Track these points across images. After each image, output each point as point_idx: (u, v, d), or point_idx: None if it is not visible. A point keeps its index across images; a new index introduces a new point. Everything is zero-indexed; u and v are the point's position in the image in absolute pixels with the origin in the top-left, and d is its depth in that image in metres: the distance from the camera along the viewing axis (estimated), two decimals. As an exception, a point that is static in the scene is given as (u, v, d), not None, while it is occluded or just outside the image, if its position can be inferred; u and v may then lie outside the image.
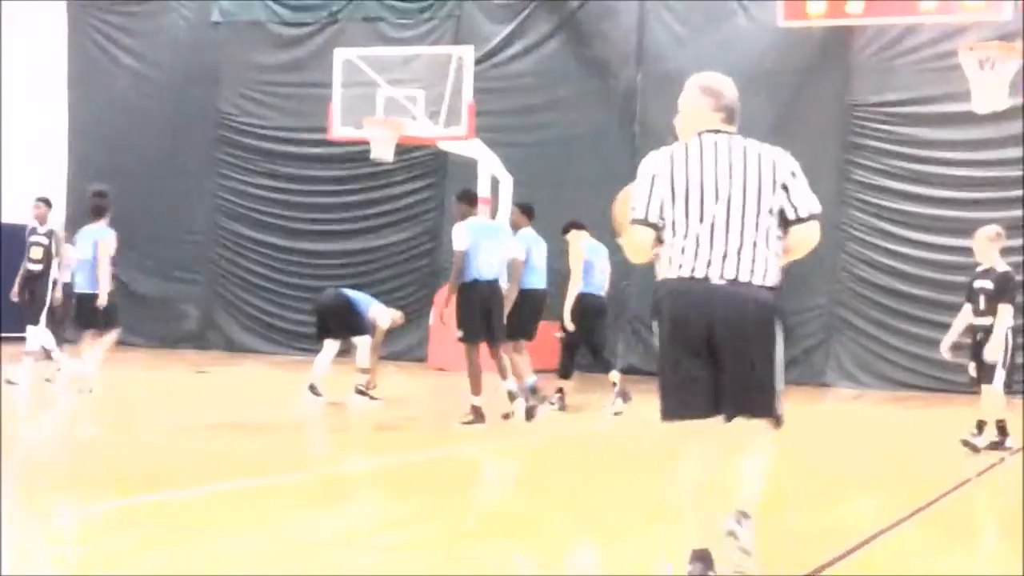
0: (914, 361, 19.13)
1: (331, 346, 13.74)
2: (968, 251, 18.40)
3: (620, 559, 6.23)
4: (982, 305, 11.03)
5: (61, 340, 15.16)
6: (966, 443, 10.86)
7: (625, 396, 14.04)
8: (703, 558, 5.29)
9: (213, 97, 23.39)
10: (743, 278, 5.28)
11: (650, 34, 20.86)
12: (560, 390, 14.31)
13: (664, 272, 5.44)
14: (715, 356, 5.31)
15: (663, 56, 20.77)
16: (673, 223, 5.38)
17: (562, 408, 14.12)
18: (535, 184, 20.86)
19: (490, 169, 20.10)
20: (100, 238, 13.60)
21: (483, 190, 20.07)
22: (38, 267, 14.96)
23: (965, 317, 11.32)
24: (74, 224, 22.38)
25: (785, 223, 5.44)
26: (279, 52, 23.18)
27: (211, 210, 23.37)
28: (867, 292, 19.33)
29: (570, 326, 14.15)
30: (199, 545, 6.20)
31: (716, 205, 5.33)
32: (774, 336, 5.35)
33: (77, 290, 13.76)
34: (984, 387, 10.96)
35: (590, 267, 14.33)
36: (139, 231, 22.36)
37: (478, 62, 20.13)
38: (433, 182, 22.00)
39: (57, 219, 15.16)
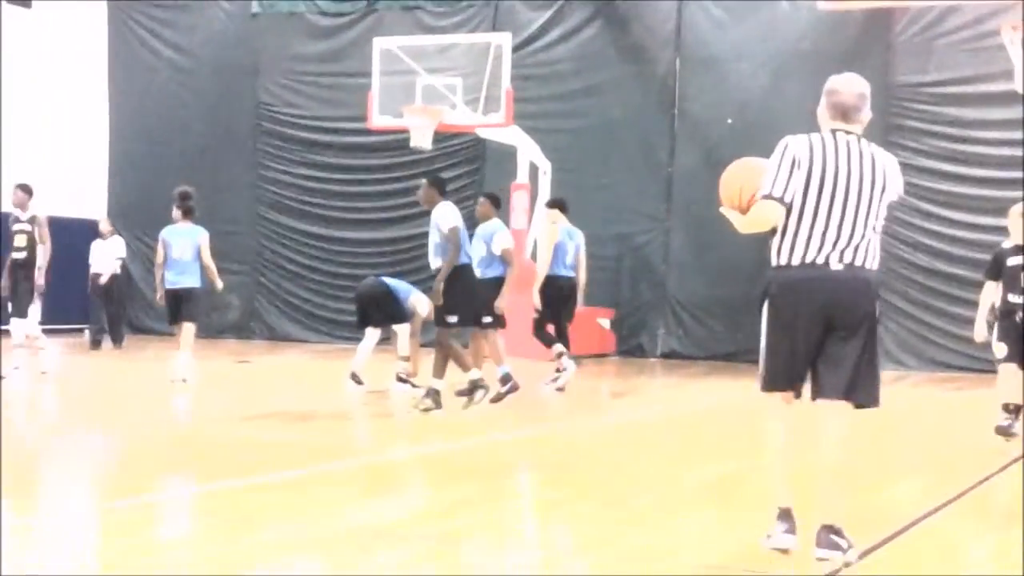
0: (957, 342, 18.98)
1: (372, 334, 13.79)
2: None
3: (657, 546, 6.24)
4: (1023, 282, 10.39)
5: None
6: (1003, 431, 10.44)
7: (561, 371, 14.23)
8: (788, 516, 5.88)
9: (253, 88, 23.50)
10: (857, 263, 5.78)
11: (689, 18, 20.78)
12: (558, 366, 14.34)
13: (780, 257, 5.84)
14: (830, 338, 5.76)
15: (702, 40, 20.70)
16: (801, 207, 5.79)
17: (560, 387, 14.26)
18: (574, 170, 20.88)
19: (529, 155, 20.11)
20: (200, 237, 14.45)
21: (522, 176, 20.10)
22: (22, 255, 14.54)
23: (990, 296, 10.65)
24: (115, 216, 22.66)
25: None
26: (318, 42, 23.25)
27: (253, 200, 23.48)
28: (909, 273, 19.20)
29: (537, 305, 14.35)
30: (243, 535, 6.26)
31: (843, 198, 5.78)
32: (877, 321, 5.88)
33: (174, 286, 14.11)
34: None
35: (562, 250, 14.31)
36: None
37: (516, 49, 20.14)
38: (472, 169, 22.01)
39: (40, 205, 14.99)
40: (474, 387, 11.95)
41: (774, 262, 5.88)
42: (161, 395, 13.10)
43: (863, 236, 5.82)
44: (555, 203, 14.88)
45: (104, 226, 20.68)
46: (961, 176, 19.08)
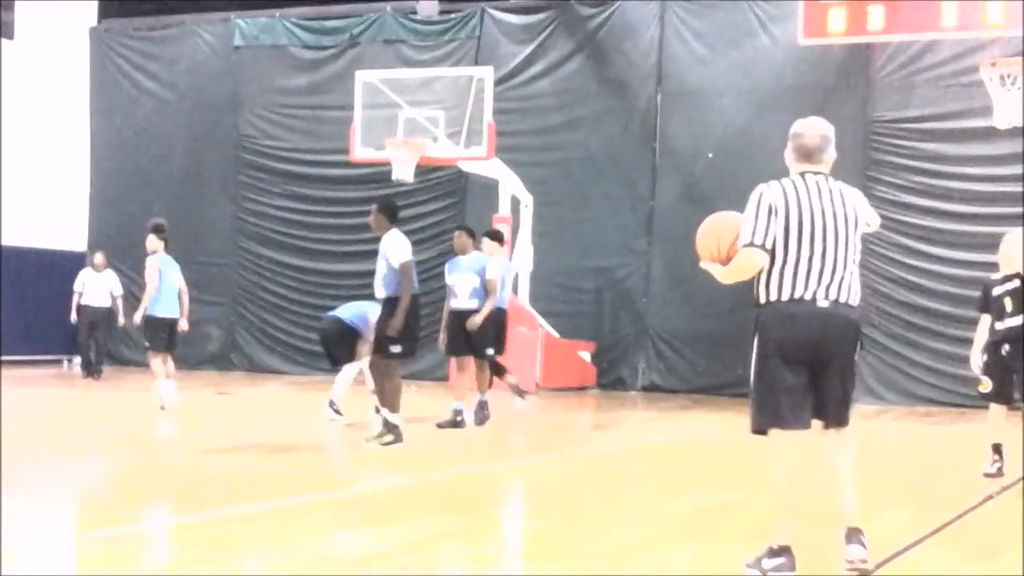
0: (937, 377, 19.08)
1: (349, 367, 13.74)
2: (991, 266, 18.44)
3: (643, 577, 6.23)
4: (1009, 308, 10.36)
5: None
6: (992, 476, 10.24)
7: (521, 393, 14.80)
8: (789, 551, 6.04)
9: (235, 120, 23.53)
10: (842, 299, 6.06)
11: (670, 53, 20.90)
12: (516, 386, 14.93)
13: (769, 294, 6.10)
14: (815, 371, 6.05)
15: (683, 75, 20.82)
16: (784, 250, 6.05)
17: (522, 395, 14.91)
18: (556, 203, 20.95)
19: (511, 189, 20.17)
20: (174, 267, 14.84)
21: (504, 209, 20.14)
22: None
23: (985, 329, 10.66)
24: (95, 247, 22.60)
25: None
26: (300, 75, 23.30)
27: (233, 232, 23.48)
28: (889, 308, 19.27)
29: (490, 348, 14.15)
30: (222, 567, 6.22)
31: (821, 236, 6.04)
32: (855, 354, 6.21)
33: (168, 316, 14.48)
34: None
35: (503, 283, 14.26)
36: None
37: (498, 82, 20.22)
38: (454, 202, 22.06)
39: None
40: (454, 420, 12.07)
41: (762, 299, 6.12)
42: (144, 425, 13.03)
43: (844, 270, 6.07)
44: (495, 235, 14.76)
45: (98, 258, 20.67)
46: (941, 211, 19.18)
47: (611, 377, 20.86)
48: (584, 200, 21.18)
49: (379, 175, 20.47)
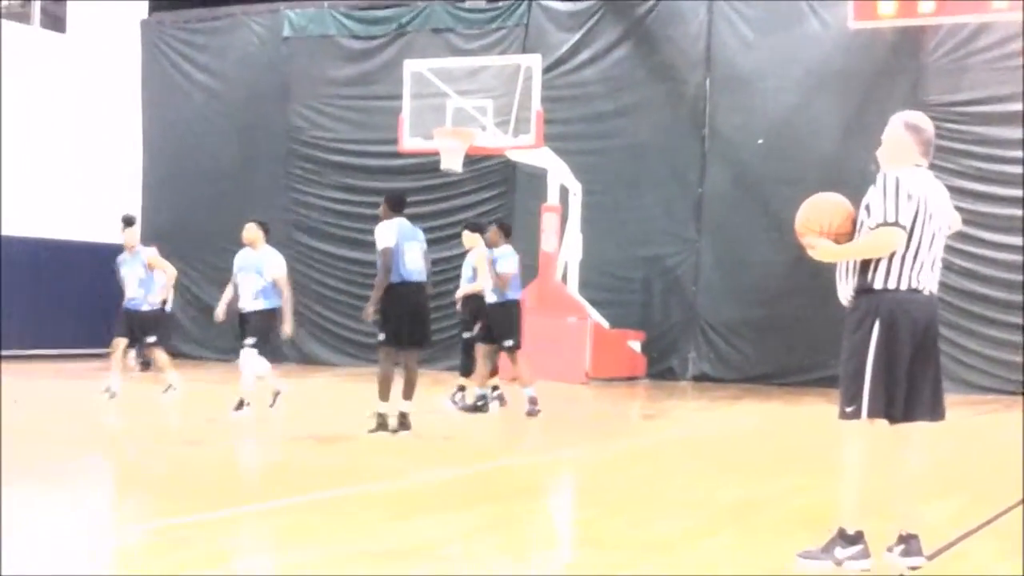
0: (990, 364, 18.88)
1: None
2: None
3: (682, 569, 6.19)
4: None
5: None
6: None
7: (502, 398, 14.35)
8: (863, 538, 6.09)
9: (285, 111, 23.62)
10: (935, 290, 6.25)
11: (718, 38, 20.77)
12: (495, 387, 14.37)
13: (888, 281, 6.09)
14: (914, 362, 6.08)
15: (731, 60, 20.68)
16: (908, 239, 6.07)
17: (502, 403, 14.34)
18: (604, 192, 20.89)
19: (559, 177, 20.12)
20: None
21: (552, 198, 20.10)
22: None
23: None
24: (148, 240, 22.78)
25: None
26: (349, 65, 23.35)
27: (284, 224, 23.54)
28: (942, 294, 18.93)
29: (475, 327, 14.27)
30: (267, 559, 6.25)
31: (933, 228, 6.14)
32: None
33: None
34: None
35: (515, 275, 14.23)
36: (212, 245, 22.65)
37: (546, 71, 20.17)
38: (502, 191, 22.04)
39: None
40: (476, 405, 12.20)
41: (879, 285, 6.09)
42: (196, 417, 13.13)
43: (938, 266, 6.25)
44: (475, 227, 14.77)
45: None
46: (994, 196, 18.95)
47: (661, 367, 20.78)
48: (633, 188, 21.10)
49: (428, 165, 20.48)
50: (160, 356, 15.07)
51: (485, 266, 13.96)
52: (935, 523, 7.16)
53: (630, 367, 20.37)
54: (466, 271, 14.42)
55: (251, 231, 13.35)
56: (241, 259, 13.37)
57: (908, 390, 6.07)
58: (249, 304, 13.14)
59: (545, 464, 10.56)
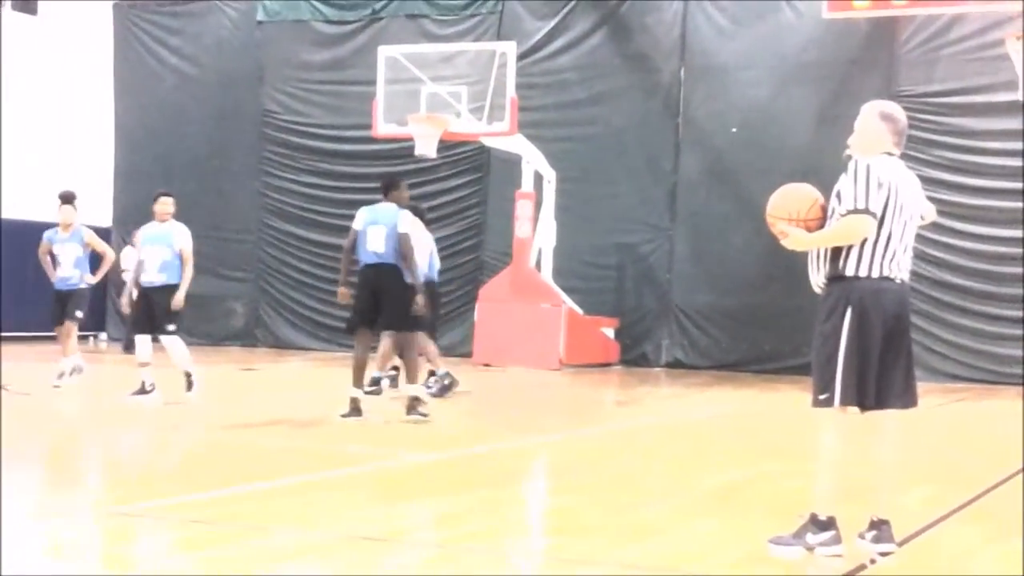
0: (964, 353, 19.03)
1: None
2: (1018, 241, 18.41)
3: (663, 555, 6.24)
4: None
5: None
6: None
7: (450, 384, 14.23)
8: (834, 524, 6.12)
9: (258, 96, 23.55)
10: (907, 278, 6.25)
11: (693, 27, 20.81)
12: (432, 373, 14.27)
13: (860, 268, 6.10)
14: (886, 350, 6.10)
15: (706, 49, 20.73)
16: (879, 226, 6.08)
17: (395, 385, 14.18)
18: (579, 179, 20.92)
19: (533, 164, 20.14)
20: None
21: (527, 185, 20.12)
22: None
23: None
24: (121, 224, 22.72)
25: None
26: (323, 50, 23.29)
27: (257, 208, 23.52)
28: (915, 284, 19.11)
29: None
30: (248, 541, 6.25)
31: (905, 217, 6.16)
32: None
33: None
34: None
35: (432, 254, 14.40)
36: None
37: (521, 58, 20.18)
38: (477, 178, 22.04)
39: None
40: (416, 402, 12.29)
41: (851, 273, 6.10)
42: (170, 401, 13.10)
43: (909, 254, 6.26)
44: (416, 210, 14.81)
45: (138, 237, 20.77)
46: (965, 186, 19.07)
47: (634, 353, 20.85)
48: (607, 176, 21.14)
49: (402, 151, 20.47)
50: (74, 337, 14.17)
51: (422, 249, 14.07)
52: (907, 509, 7.23)
53: (603, 354, 20.43)
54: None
55: (167, 204, 12.98)
56: (148, 232, 13.03)
57: (879, 377, 6.09)
58: (153, 277, 12.71)
59: (521, 450, 10.59)
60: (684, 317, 20.75)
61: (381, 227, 11.60)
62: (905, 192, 6.17)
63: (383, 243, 11.55)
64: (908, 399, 6.22)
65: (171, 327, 12.66)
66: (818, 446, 6.20)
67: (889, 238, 6.10)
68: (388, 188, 11.89)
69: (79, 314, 14.12)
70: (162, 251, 12.78)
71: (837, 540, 6.09)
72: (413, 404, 11.66)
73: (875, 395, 6.10)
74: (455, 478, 8.65)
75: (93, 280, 14.22)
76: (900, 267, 6.16)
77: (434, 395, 13.78)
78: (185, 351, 12.84)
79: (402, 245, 11.50)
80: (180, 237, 12.88)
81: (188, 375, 12.87)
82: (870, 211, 6.01)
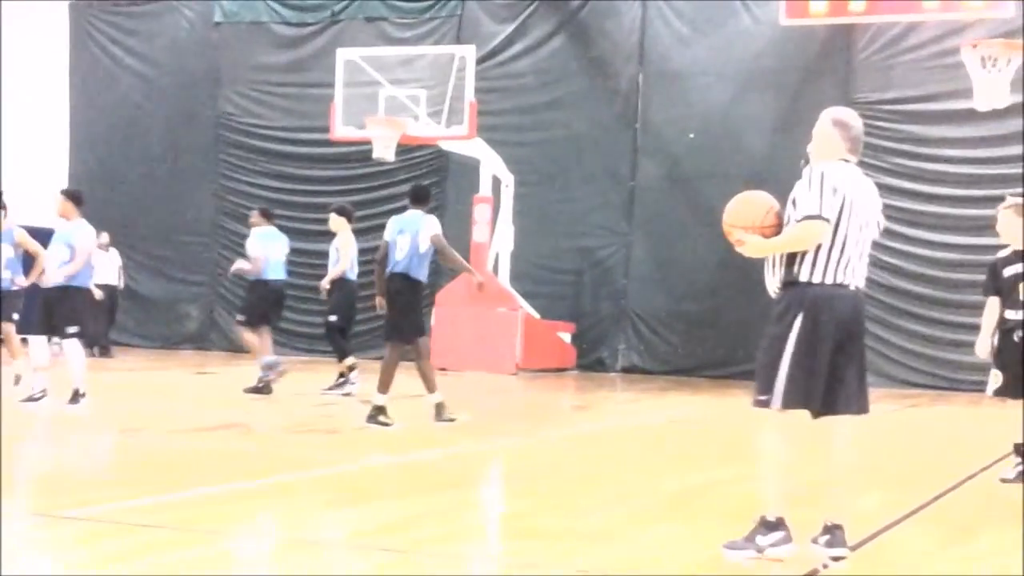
0: (918, 359, 19.17)
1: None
2: (972, 248, 18.55)
3: (621, 559, 6.23)
4: (1022, 295, 8.89)
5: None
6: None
7: (347, 382, 14.52)
8: (784, 524, 6.12)
9: (215, 97, 23.43)
10: (862, 284, 6.23)
11: (652, 33, 20.88)
12: (350, 369, 14.58)
13: (814, 275, 6.10)
14: (838, 356, 6.08)
15: (664, 55, 20.80)
16: (835, 232, 6.09)
17: (348, 393, 14.39)
18: (537, 183, 20.94)
19: (492, 168, 20.13)
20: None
21: (485, 189, 20.11)
22: None
23: (994, 314, 9.09)
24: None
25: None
26: (281, 52, 23.20)
27: (213, 210, 23.39)
28: (870, 290, 19.23)
29: (324, 296, 14.87)
30: (202, 546, 6.20)
31: (860, 223, 6.16)
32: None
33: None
34: None
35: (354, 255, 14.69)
36: (141, 232, 22.44)
37: (480, 61, 20.17)
38: (435, 181, 21.98)
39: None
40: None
41: (804, 278, 6.10)
42: (122, 404, 13.00)
43: (865, 261, 6.26)
44: (342, 211, 15.08)
45: (103, 238, 20.73)
46: (921, 193, 19.22)
47: (591, 358, 20.87)
48: (565, 180, 21.16)
49: (360, 154, 20.43)
50: (16, 340, 13.64)
51: (349, 250, 14.44)
52: (862, 513, 7.26)
53: (560, 358, 20.44)
54: (332, 255, 14.76)
55: (59, 201, 12.48)
56: (57, 231, 12.51)
57: (830, 383, 6.08)
58: (53, 278, 12.19)
59: (477, 454, 10.57)
60: (641, 322, 20.79)
61: (407, 236, 11.61)
62: (861, 199, 6.17)
63: (405, 252, 11.56)
64: (860, 405, 6.21)
65: (71, 329, 12.06)
66: (763, 448, 6.21)
67: (844, 245, 6.09)
68: (416, 197, 11.93)
69: (16, 316, 13.71)
70: (61, 251, 12.27)
71: (787, 540, 6.09)
72: (439, 411, 11.64)
73: (825, 401, 6.10)
74: (411, 483, 8.61)
75: (24, 283, 13.78)
76: (855, 274, 6.15)
77: (330, 390, 14.13)
78: (82, 360, 12.22)
79: (436, 246, 11.55)
80: (80, 236, 12.31)
81: (76, 391, 12.12)
82: (823, 217, 6.01)
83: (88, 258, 12.34)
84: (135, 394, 13.83)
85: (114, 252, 21.04)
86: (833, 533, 6.11)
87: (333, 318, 14.60)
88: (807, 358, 6.03)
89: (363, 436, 11.10)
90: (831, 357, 6.05)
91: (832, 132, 6.26)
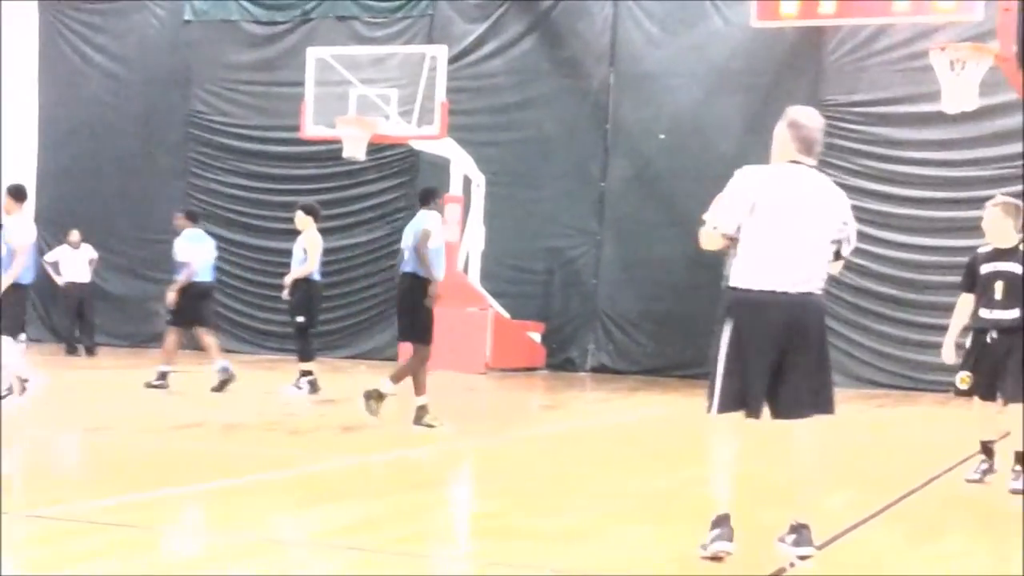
0: (885, 360, 19.27)
1: None
2: (939, 250, 18.65)
3: (591, 558, 6.24)
4: (998, 294, 8.65)
5: None
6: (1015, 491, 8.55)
7: (313, 385, 14.53)
8: (726, 521, 6.02)
9: (185, 96, 23.32)
10: (806, 289, 6.05)
11: (623, 34, 20.91)
12: (308, 373, 14.58)
13: (740, 279, 6.04)
14: (784, 360, 5.99)
15: (636, 56, 20.83)
16: (758, 236, 5.99)
17: (314, 391, 14.43)
18: (507, 183, 20.94)
19: (462, 168, 20.12)
20: None
21: (455, 189, 20.10)
22: None
23: (965, 311, 8.92)
24: (43, 223, 22.38)
25: (836, 256, 6.29)
26: (251, 51, 23.12)
27: (183, 209, 23.24)
28: (836, 290, 19.36)
29: (286, 296, 14.81)
30: (168, 546, 6.18)
31: (793, 226, 6.00)
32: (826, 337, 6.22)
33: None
34: (1012, 406, 8.64)
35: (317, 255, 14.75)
36: (109, 230, 22.33)
37: (451, 61, 20.15)
38: (405, 181, 21.97)
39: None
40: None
41: (732, 283, 6.06)
42: (90, 404, 12.93)
43: (813, 265, 6.07)
44: (309, 209, 15.12)
45: (74, 236, 20.62)
46: (889, 195, 19.32)
47: (560, 358, 20.89)
48: (536, 180, 21.17)
49: (330, 153, 20.37)
50: None
51: (316, 250, 14.46)
52: (829, 512, 7.29)
53: (530, 358, 20.45)
54: (297, 253, 14.70)
55: (7, 199, 12.15)
56: None
57: (775, 388, 6.01)
58: None
59: (447, 454, 10.57)
60: (610, 322, 20.82)
61: (411, 235, 11.70)
62: (794, 201, 6.02)
63: (411, 251, 11.64)
64: (818, 408, 6.10)
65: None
66: (708, 452, 6.22)
67: (766, 248, 5.98)
68: (421, 198, 12.18)
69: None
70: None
71: (721, 537, 5.96)
72: (420, 414, 11.59)
73: (773, 405, 6.06)
74: (380, 482, 8.60)
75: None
76: (789, 279, 5.98)
77: (215, 389, 14.24)
78: (17, 358, 11.93)
79: (419, 240, 11.54)
80: (16, 232, 11.99)
81: (21, 379, 11.91)
82: (712, 221, 6.09)
83: (26, 255, 12.09)
84: (101, 393, 13.75)
85: (86, 248, 20.89)
86: (799, 532, 6.08)
87: (301, 319, 14.55)
88: (736, 363, 6.00)
89: (330, 436, 11.08)
90: (769, 362, 5.97)
91: (784, 133, 6.16)
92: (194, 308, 14.71)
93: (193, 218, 15.53)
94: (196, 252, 14.84)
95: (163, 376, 14.36)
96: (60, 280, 20.76)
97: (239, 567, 5.79)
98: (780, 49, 19.80)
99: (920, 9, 17.11)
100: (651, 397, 16.94)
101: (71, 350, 20.50)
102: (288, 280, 14.62)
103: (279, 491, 8.04)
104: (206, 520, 6.82)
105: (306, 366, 14.57)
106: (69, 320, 21.01)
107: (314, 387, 14.43)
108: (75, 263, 20.74)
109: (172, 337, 14.73)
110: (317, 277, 14.71)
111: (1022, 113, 17.61)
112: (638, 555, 6.34)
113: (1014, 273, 8.62)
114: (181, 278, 14.64)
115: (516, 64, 21.53)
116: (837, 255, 6.27)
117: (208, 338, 14.82)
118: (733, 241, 6.08)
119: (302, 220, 14.72)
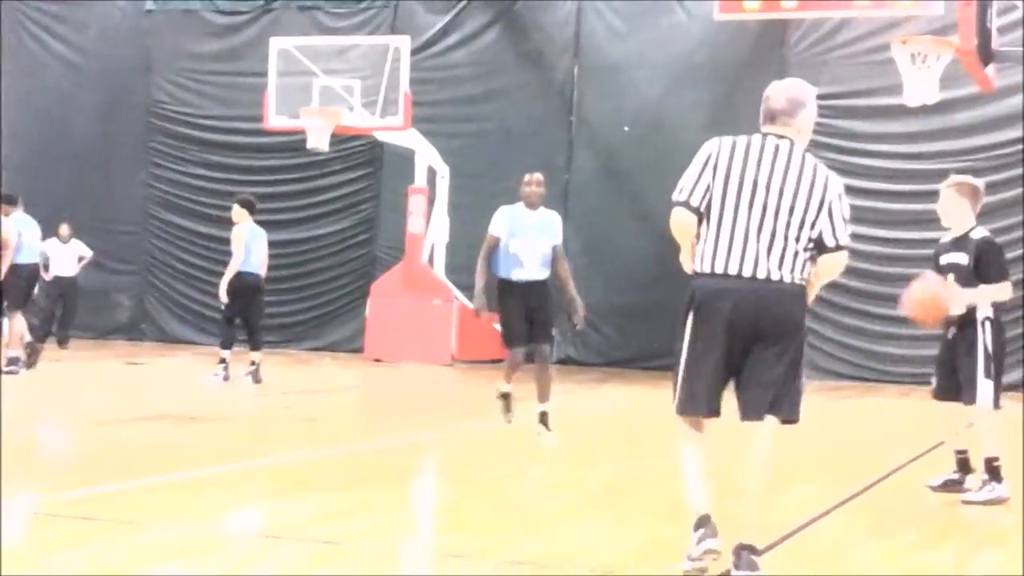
0: (848, 352, 19.36)
1: None
2: (901, 242, 18.76)
3: (552, 549, 6.24)
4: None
5: None
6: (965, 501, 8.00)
7: (255, 376, 14.79)
8: (708, 521, 5.59)
9: (147, 86, 23.17)
10: (776, 276, 5.42)
11: (587, 26, 20.91)
12: (223, 360, 14.87)
13: (701, 264, 5.52)
14: (748, 355, 5.46)
15: (599, 48, 20.84)
16: (720, 214, 5.47)
17: (226, 379, 14.67)
18: (472, 175, 20.89)
19: (427, 159, 20.08)
20: None
21: (420, 180, 20.06)
22: None
23: None
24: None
25: (821, 248, 5.57)
26: (213, 40, 22.99)
27: (144, 200, 23.15)
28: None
29: (224, 299, 15.04)
30: (131, 538, 6.14)
31: (758, 202, 5.46)
32: (804, 334, 5.61)
33: None
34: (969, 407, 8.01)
35: (249, 249, 15.10)
36: (72, 221, 22.12)
37: (415, 52, 20.09)
38: (369, 172, 21.92)
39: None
40: None
41: (696, 268, 5.56)
42: (51, 396, 12.84)
43: (784, 246, 5.44)
44: (244, 203, 15.38)
45: (64, 229, 20.34)
46: (852, 188, 19.10)
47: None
48: (500, 172, 21.08)
49: (293, 143, 20.28)
50: None
51: (238, 245, 14.93)
52: (791, 504, 7.33)
53: (496, 350, 20.32)
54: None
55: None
56: None
57: (744, 388, 5.51)
58: None
59: (412, 446, 10.55)
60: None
61: (545, 237, 11.64)
62: (765, 175, 5.48)
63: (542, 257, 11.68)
64: (778, 409, 5.52)
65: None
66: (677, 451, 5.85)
67: (732, 226, 5.42)
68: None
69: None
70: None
71: (707, 535, 5.56)
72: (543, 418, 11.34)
73: (739, 404, 5.56)
74: (344, 475, 8.58)
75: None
76: (752, 263, 5.40)
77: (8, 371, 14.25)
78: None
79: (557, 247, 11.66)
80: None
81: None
82: (677, 201, 5.53)
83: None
84: (64, 384, 13.66)
85: (77, 243, 20.54)
86: (739, 555, 5.48)
87: (222, 307, 15.10)
88: (692, 360, 5.54)
89: (294, 428, 11.04)
90: (722, 354, 5.44)
91: (760, 107, 5.76)
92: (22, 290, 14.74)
93: (12, 202, 15.42)
94: (22, 235, 14.88)
95: (15, 360, 14.41)
96: (47, 275, 20.41)
97: (200, 561, 5.75)
98: (743, 42, 19.85)
99: (882, 3, 17.19)
100: (616, 389, 16.97)
101: (40, 340, 20.22)
102: (224, 283, 14.80)
103: (243, 483, 8.01)
104: (169, 512, 6.78)
105: (224, 354, 14.76)
106: (47, 313, 20.60)
107: (256, 377, 14.66)
108: (63, 257, 20.34)
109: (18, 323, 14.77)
110: (249, 270, 15.02)
111: (982, 107, 17.76)
112: (599, 546, 6.35)
113: (961, 265, 7.99)
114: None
115: (480, 56, 21.49)
116: (821, 246, 5.55)
117: (19, 324, 14.88)
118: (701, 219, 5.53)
119: (238, 213, 15.03)
